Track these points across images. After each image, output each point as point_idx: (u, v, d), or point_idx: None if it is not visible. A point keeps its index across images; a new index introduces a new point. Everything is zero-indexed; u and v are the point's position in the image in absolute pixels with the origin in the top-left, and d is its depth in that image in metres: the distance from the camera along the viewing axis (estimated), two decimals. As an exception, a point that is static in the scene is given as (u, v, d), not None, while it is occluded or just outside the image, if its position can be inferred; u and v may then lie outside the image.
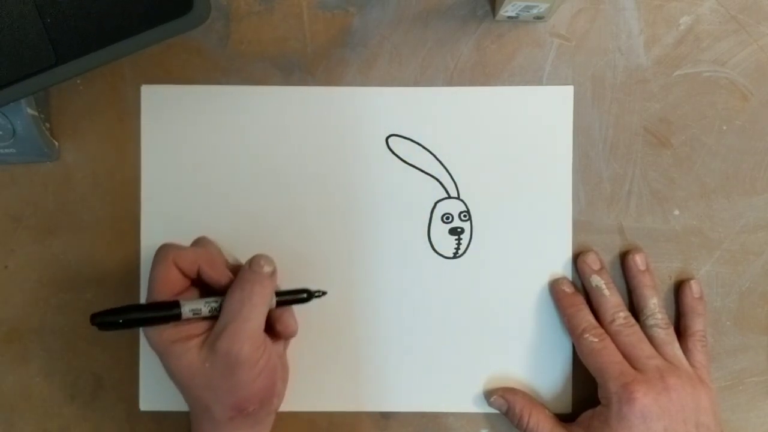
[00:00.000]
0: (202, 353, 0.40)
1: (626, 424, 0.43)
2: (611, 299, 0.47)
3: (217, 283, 0.43)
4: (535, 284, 0.49)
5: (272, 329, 0.44)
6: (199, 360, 0.40)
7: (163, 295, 0.41)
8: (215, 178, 0.49)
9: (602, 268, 0.48)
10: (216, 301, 0.42)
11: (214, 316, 0.42)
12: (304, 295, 0.45)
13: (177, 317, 0.40)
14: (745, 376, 0.50)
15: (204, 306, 0.41)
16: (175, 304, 0.40)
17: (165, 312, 0.40)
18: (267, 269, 0.42)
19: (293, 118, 0.49)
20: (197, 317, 0.41)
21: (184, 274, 0.43)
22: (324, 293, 0.47)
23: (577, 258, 0.49)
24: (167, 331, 0.41)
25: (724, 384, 0.50)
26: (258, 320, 0.41)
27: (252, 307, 0.41)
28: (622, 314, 0.47)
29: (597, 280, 0.48)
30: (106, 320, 0.40)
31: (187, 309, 0.40)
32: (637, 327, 0.47)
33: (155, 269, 0.41)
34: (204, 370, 0.40)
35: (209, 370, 0.40)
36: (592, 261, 0.48)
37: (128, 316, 0.40)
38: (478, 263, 0.50)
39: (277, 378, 0.43)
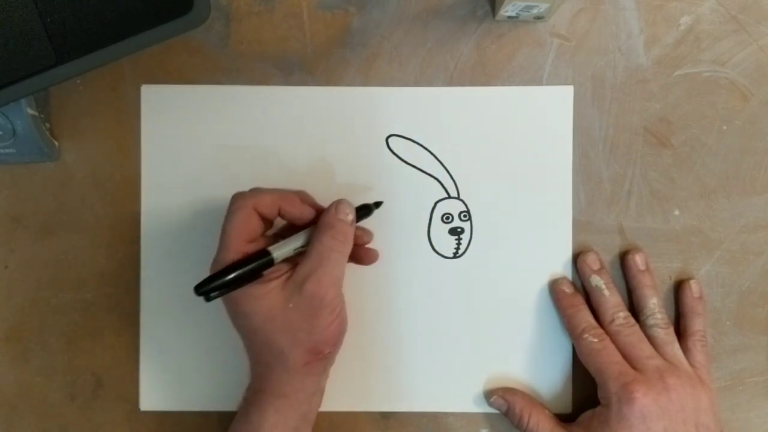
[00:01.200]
0: (284, 294, 0.40)
1: (626, 424, 0.43)
2: (611, 299, 0.47)
3: (299, 220, 0.43)
4: (535, 284, 0.49)
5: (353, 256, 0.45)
6: (281, 301, 0.40)
7: (241, 243, 0.40)
8: (215, 178, 0.49)
9: (602, 268, 0.49)
10: (299, 243, 0.42)
11: (301, 254, 0.42)
12: (366, 210, 0.46)
13: (270, 265, 0.40)
14: (745, 376, 0.50)
15: (293, 252, 0.41)
16: (266, 253, 0.40)
17: (260, 263, 0.39)
18: (350, 217, 0.43)
19: (293, 118, 0.49)
20: (293, 254, 0.41)
21: (264, 219, 0.42)
22: (381, 203, 0.47)
23: (577, 258, 0.49)
24: None
25: (724, 384, 0.50)
26: (343, 266, 0.42)
27: (339, 254, 0.42)
28: (621, 314, 0.47)
29: (597, 280, 0.48)
30: (210, 288, 0.38)
31: (277, 255, 0.40)
32: (636, 327, 0.47)
33: (234, 217, 0.40)
34: (286, 311, 0.40)
35: (291, 311, 0.40)
36: (592, 261, 0.48)
37: (228, 276, 0.39)
38: (478, 263, 0.50)
39: (346, 321, 0.44)
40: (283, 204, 0.42)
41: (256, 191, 0.42)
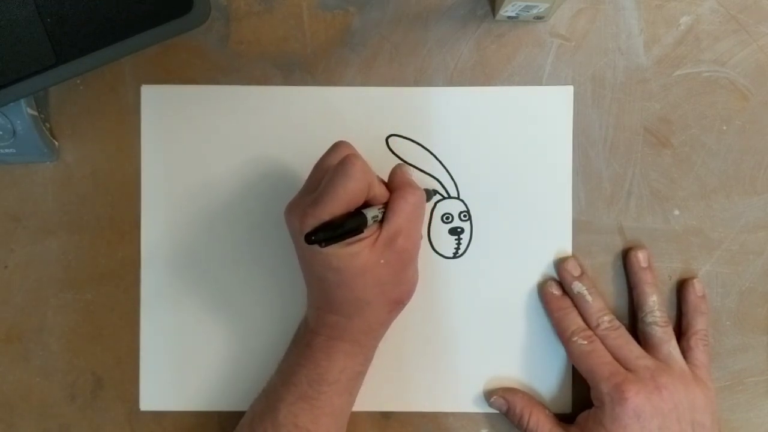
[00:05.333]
0: (375, 251, 0.41)
1: (620, 424, 0.43)
2: (594, 304, 0.47)
3: (376, 201, 0.43)
4: (534, 284, 0.49)
5: None
6: (373, 257, 0.41)
7: (347, 205, 0.41)
8: (215, 178, 0.49)
9: (583, 273, 0.48)
10: (382, 208, 0.43)
11: (378, 221, 0.43)
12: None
13: (365, 225, 0.41)
14: (745, 376, 0.50)
15: (378, 212, 0.42)
16: (361, 215, 0.41)
17: (358, 224, 0.41)
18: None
19: (293, 118, 0.49)
20: (373, 223, 0.42)
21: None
22: (436, 191, 0.50)
23: (557, 265, 0.49)
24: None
25: (724, 384, 0.50)
26: (423, 222, 0.44)
27: (422, 210, 0.44)
28: (606, 318, 0.47)
29: (579, 287, 0.48)
30: (325, 237, 0.40)
31: (369, 217, 0.41)
32: (623, 329, 0.47)
33: (353, 184, 0.40)
34: (377, 266, 0.42)
35: (382, 266, 0.42)
36: (572, 267, 0.48)
37: (341, 231, 0.40)
38: (478, 263, 0.50)
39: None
40: (379, 191, 0.43)
41: (370, 173, 0.42)
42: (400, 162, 0.45)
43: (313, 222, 0.40)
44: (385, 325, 0.46)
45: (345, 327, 0.44)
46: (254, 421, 0.44)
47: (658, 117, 0.50)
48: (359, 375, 0.45)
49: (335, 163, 0.41)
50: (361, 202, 0.42)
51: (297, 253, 0.44)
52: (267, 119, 0.49)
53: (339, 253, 0.41)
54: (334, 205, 0.40)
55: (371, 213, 0.41)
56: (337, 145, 0.43)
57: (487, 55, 0.50)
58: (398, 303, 0.44)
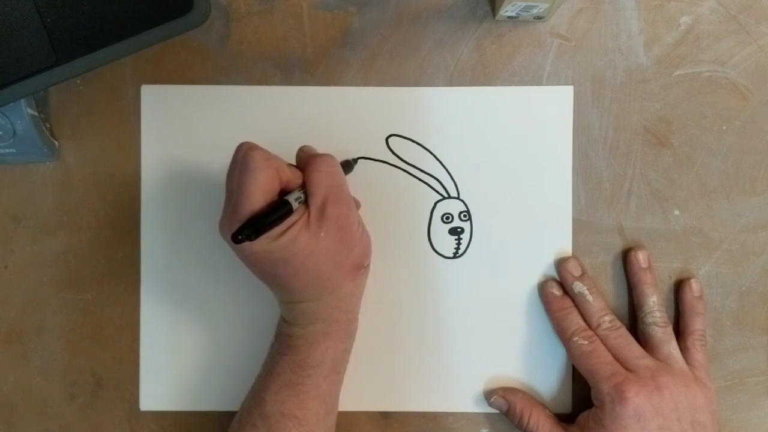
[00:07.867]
0: (311, 228, 0.42)
1: (620, 424, 0.43)
2: (595, 304, 0.47)
3: (294, 184, 0.44)
4: (534, 284, 0.49)
5: None
6: (311, 234, 0.42)
7: (265, 196, 0.41)
8: (215, 177, 0.49)
9: (583, 273, 0.48)
10: (301, 189, 0.43)
11: (303, 202, 0.43)
12: (347, 166, 0.48)
13: (291, 211, 0.41)
14: (745, 376, 0.50)
15: (300, 193, 0.43)
16: (285, 202, 0.41)
17: (284, 210, 0.41)
18: (312, 149, 0.46)
19: (293, 118, 0.49)
20: (298, 205, 0.42)
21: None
22: (358, 159, 0.49)
23: (558, 265, 0.49)
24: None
25: (724, 384, 0.50)
26: (347, 184, 0.44)
27: (339, 174, 0.44)
28: (607, 318, 0.47)
29: (579, 287, 0.48)
30: (250, 232, 0.40)
31: (293, 200, 0.41)
32: (623, 329, 0.47)
33: (261, 175, 0.40)
34: (320, 241, 0.42)
35: (325, 239, 0.42)
36: (572, 267, 0.48)
37: (267, 221, 0.40)
38: (478, 263, 0.50)
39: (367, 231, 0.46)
40: (298, 179, 0.43)
41: (274, 159, 0.42)
42: (301, 146, 0.45)
43: (238, 225, 0.40)
44: (355, 294, 0.46)
45: (317, 309, 0.44)
46: (242, 417, 0.45)
47: (658, 117, 0.50)
48: (344, 353, 0.46)
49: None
50: (276, 189, 0.42)
51: (244, 263, 0.44)
52: (267, 119, 0.49)
53: (279, 244, 0.41)
54: (251, 201, 0.40)
55: (293, 196, 0.42)
56: (237, 148, 0.43)
57: (487, 55, 0.50)
58: (358, 268, 0.45)
